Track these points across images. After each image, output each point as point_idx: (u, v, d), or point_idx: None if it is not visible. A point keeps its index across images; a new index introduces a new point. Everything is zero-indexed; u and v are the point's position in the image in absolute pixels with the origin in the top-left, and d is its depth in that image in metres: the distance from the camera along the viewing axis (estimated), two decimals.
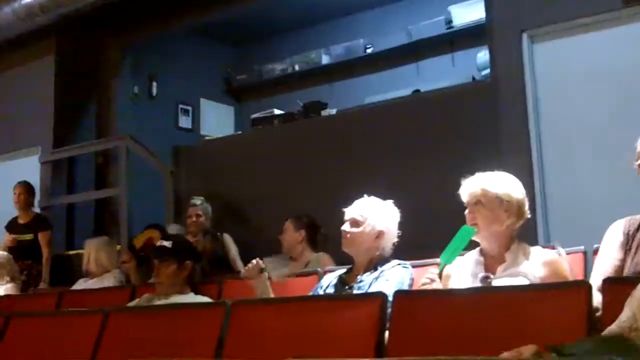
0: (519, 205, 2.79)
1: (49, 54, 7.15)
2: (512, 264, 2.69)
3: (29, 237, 6.18)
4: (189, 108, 7.85)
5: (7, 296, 5.13)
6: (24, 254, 6.06)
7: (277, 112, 6.84)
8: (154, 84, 7.51)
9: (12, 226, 6.30)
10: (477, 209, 2.78)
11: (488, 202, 2.76)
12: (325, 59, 7.63)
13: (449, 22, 6.82)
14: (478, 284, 2.67)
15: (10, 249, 6.01)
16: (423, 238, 3.43)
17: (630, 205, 2.60)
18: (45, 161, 7.00)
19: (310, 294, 3.29)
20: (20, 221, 6.30)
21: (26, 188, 6.38)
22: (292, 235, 4.80)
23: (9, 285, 5.48)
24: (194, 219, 5.57)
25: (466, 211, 2.82)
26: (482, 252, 2.82)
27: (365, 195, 3.32)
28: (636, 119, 4.24)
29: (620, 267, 2.55)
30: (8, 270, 5.55)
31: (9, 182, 6.57)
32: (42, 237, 6.15)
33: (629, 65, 4.47)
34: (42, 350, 3.33)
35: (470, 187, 2.83)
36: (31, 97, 7.22)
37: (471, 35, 6.42)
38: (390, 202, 3.29)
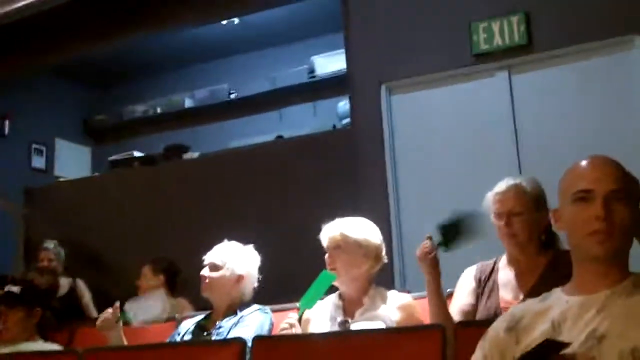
0: (377, 250, 2.87)
1: None
2: (370, 308, 2.74)
3: None
4: (43, 148, 7.53)
5: None
6: None
7: (136, 154, 6.70)
8: (6, 122, 7.16)
9: None
10: (336, 253, 2.83)
11: (347, 246, 2.83)
12: (188, 102, 7.58)
13: (311, 71, 6.98)
14: (337, 328, 2.70)
15: None
16: (283, 282, 3.44)
17: (483, 251, 2.73)
18: None
19: (167, 341, 3.21)
20: None
21: None
22: (150, 279, 4.67)
23: None
24: (46, 263, 5.33)
25: (326, 255, 2.86)
26: (341, 297, 2.87)
27: (225, 240, 3.30)
28: (486, 168, 4.49)
29: (472, 313, 2.66)
30: None
31: None
32: None
33: (479, 118, 4.75)
34: None
35: (330, 231, 2.89)
36: None
37: (333, 85, 6.59)
38: (250, 246, 3.29)
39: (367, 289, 2.81)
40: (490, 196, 2.71)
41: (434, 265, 2.56)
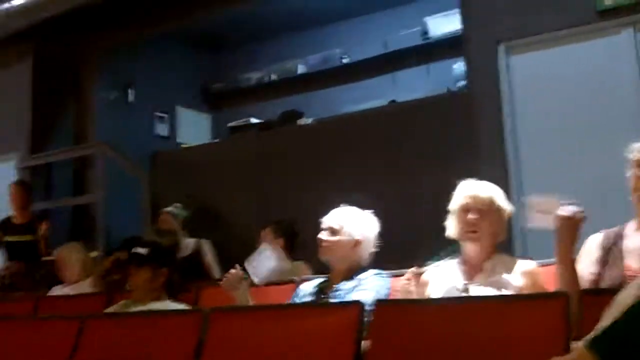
0: (509, 218, 2.83)
1: (27, 59, 7.11)
2: (492, 274, 2.70)
3: (27, 238, 6.00)
4: (165, 115, 7.83)
5: None
6: (17, 255, 5.95)
7: (253, 120, 6.85)
8: (131, 90, 7.48)
9: (5, 226, 6.11)
10: (483, 216, 2.77)
11: (494, 212, 2.78)
12: (301, 69, 7.66)
13: (424, 33, 6.89)
14: (457, 293, 2.69)
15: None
16: (398, 247, 3.45)
17: (608, 215, 2.63)
18: (22, 167, 6.94)
19: (288, 302, 3.30)
20: (16, 222, 6.12)
21: (23, 187, 6.21)
22: (270, 242, 4.79)
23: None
24: (165, 225, 5.57)
25: (468, 215, 2.78)
26: (463, 260, 2.84)
27: (342, 204, 3.34)
28: (612, 127, 4.32)
29: (595, 282, 2.57)
30: None
31: None
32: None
33: (603, 78, 4.55)
34: (18, 355, 3.30)
35: (478, 192, 2.81)
36: (8, 103, 7.17)
37: (447, 47, 6.49)
38: (368, 212, 3.31)
39: (491, 255, 2.78)
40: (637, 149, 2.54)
41: (575, 230, 2.43)
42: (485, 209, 2.77)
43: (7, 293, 5.60)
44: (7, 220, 6.16)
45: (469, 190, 2.83)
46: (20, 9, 6.43)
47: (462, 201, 2.82)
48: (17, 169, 6.96)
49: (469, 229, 2.77)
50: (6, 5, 6.44)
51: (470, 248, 2.81)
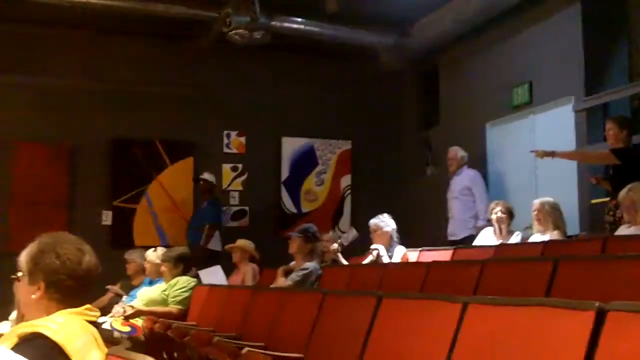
0: None
1: (574, 2, 7.14)
2: None
3: None
4: None
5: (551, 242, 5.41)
6: None
7: None
8: None
9: None
10: None
11: None
12: None
13: None
14: None
15: None
16: None
17: None
18: (579, 110, 7.03)
19: None
20: None
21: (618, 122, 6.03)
22: None
23: (555, 232, 5.83)
24: None
25: None
26: None
27: None
28: None
29: None
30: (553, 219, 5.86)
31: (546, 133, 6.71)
32: None
33: None
34: (590, 291, 3.35)
35: None
36: (558, 48, 7.33)
37: None
38: None
39: None
40: None
41: None
42: None
43: None
44: None
45: None
46: None
47: None
48: (574, 112, 7.07)
49: None
50: None
51: None
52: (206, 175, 8.84)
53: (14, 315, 3.42)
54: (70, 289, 2.33)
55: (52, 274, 2.31)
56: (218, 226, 8.63)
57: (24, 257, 2.37)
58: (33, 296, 2.32)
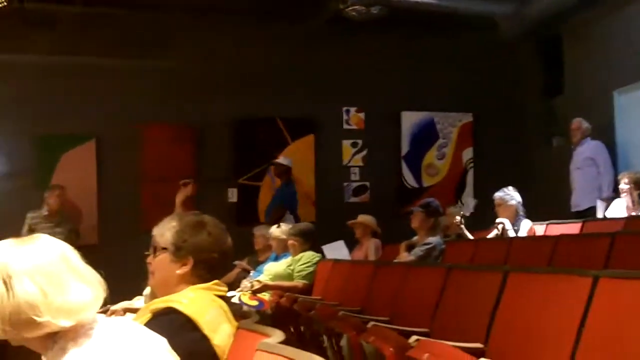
0: None
1: None
2: None
3: None
4: None
5: None
6: None
7: None
8: None
9: None
10: None
11: None
12: None
13: None
14: None
15: None
16: None
17: None
18: None
19: None
20: None
21: None
22: None
23: None
24: None
25: None
26: None
27: None
28: None
29: None
30: None
31: None
32: None
33: None
34: None
35: None
36: None
37: None
38: None
39: None
40: None
41: None
42: None
43: None
44: None
45: None
46: None
47: None
48: None
49: None
50: None
51: None
52: (281, 159, 8.98)
53: (147, 290, 3.59)
54: (217, 266, 2.42)
55: (203, 251, 2.39)
56: (290, 208, 8.67)
57: (168, 233, 2.42)
58: (178, 271, 2.38)
